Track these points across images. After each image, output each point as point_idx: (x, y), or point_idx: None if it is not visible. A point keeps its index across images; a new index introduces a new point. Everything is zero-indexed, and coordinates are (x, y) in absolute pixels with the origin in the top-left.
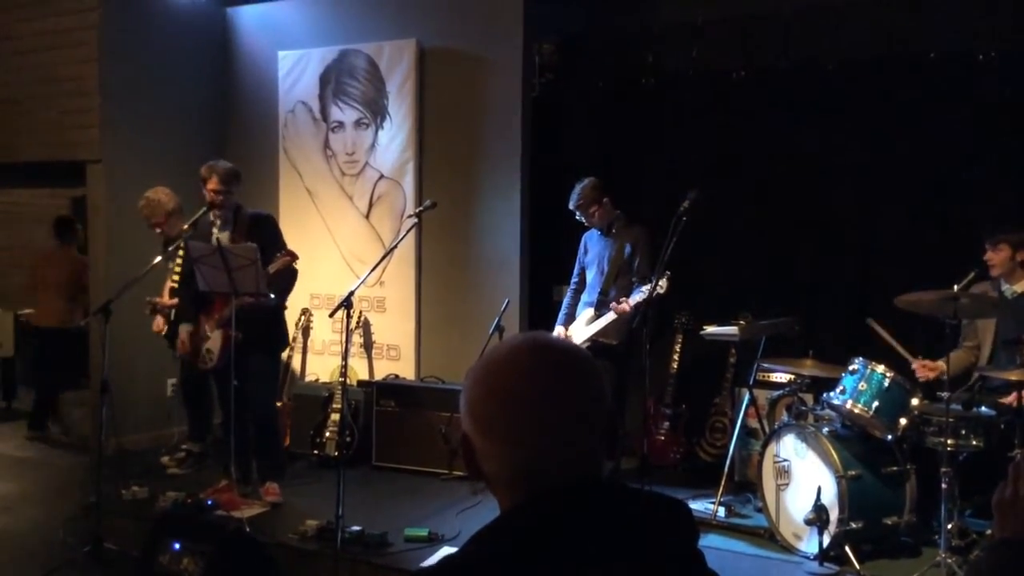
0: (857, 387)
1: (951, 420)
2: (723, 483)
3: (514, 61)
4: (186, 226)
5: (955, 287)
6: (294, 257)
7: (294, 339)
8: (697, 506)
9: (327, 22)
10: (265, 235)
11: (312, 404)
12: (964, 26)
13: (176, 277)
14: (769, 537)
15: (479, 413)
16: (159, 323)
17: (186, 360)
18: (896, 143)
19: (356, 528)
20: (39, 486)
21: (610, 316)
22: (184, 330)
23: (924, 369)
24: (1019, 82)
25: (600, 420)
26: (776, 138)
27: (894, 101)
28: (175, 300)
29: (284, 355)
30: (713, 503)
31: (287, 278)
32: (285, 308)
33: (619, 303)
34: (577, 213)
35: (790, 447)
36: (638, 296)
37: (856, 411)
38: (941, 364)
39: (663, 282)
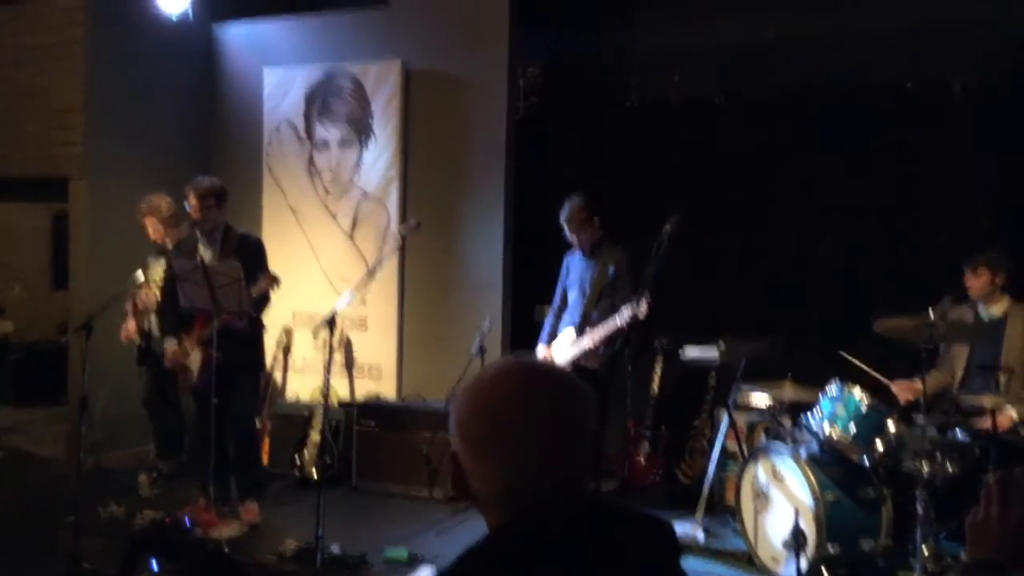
0: (834, 411)
1: (927, 446)
2: (702, 506)
3: (499, 84)
4: (171, 243)
5: (930, 312)
6: (276, 281)
7: (275, 357)
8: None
9: (313, 41)
10: (250, 258)
11: (292, 423)
12: (939, 57)
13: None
14: (747, 560)
15: (469, 433)
16: (130, 329)
17: (153, 376)
18: (874, 169)
19: (336, 549)
20: (15, 504)
21: (587, 342)
22: (170, 345)
23: (905, 391)
24: (992, 111)
25: (586, 441)
26: (756, 163)
27: (872, 128)
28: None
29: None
30: (692, 526)
31: (261, 302)
32: (265, 329)
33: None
34: (565, 228)
35: (768, 470)
36: (608, 326)
37: (833, 435)
38: (919, 384)
39: (643, 306)
